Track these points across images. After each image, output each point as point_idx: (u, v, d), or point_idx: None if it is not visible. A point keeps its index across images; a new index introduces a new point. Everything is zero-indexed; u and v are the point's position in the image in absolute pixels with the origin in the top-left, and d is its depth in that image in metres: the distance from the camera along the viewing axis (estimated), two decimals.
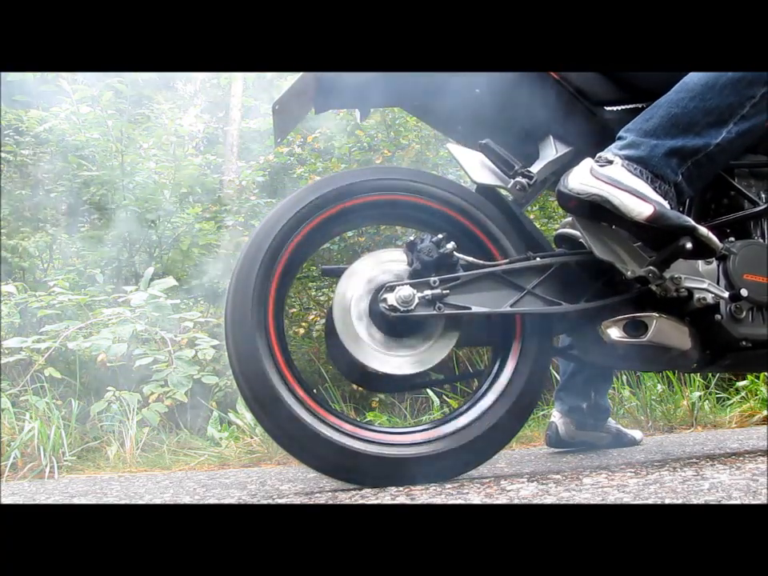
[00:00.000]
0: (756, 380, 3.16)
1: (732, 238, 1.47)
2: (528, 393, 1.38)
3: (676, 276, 1.36)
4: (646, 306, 1.38)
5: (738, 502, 0.90)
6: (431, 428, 1.36)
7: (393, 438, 1.32)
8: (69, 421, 2.77)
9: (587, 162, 1.35)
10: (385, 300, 1.30)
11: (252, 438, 2.74)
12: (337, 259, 4.15)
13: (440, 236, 1.35)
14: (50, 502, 1.56)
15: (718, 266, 1.43)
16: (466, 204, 1.42)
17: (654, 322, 1.36)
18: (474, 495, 1.11)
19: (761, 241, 1.50)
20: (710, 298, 1.38)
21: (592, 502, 0.98)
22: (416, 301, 1.30)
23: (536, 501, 1.03)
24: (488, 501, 1.06)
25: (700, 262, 1.42)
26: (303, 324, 4.03)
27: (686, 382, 3.11)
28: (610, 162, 1.32)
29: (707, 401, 3.06)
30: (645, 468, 1.34)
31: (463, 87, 1.44)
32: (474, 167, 1.44)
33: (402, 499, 1.12)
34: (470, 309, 1.33)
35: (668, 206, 1.30)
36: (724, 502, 0.91)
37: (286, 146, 4.82)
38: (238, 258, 1.34)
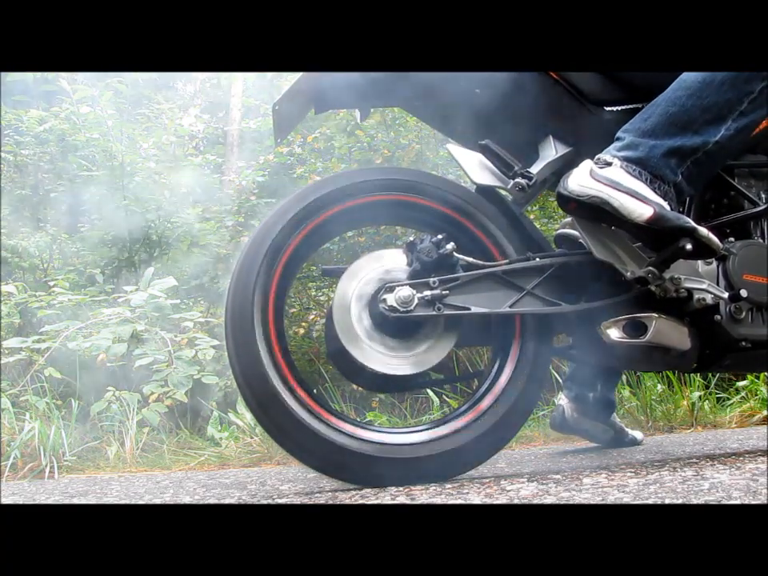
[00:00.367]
0: (756, 380, 3.16)
1: (732, 239, 1.47)
2: (527, 393, 1.38)
3: (675, 276, 1.36)
4: (645, 307, 1.38)
5: (738, 502, 0.90)
6: (431, 428, 1.36)
7: (393, 437, 1.32)
8: (69, 421, 2.77)
9: (587, 164, 1.35)
10: (384, 300, 1.30)
11: (252, 437, 2.74)
12: (337, 259, 4.14)
13: (440, 236, 1.35)
14: (50, 502, 1.56)
15: (718, 266, 1.43)
16: (465, 204, 1.42)
17: (654, 322, 1.36)
18: (473, 495, 1.11)
19: (760, 241, 1.50)
20: (709, 298, 1.38)
21: (592, 502, 0.98)
22: (415, 301, 1.30)
23: (536, 501, 1.03)
24: (488, 501, 1.06)
25: (700, 263, 1.42)
26: (303, 324, 4.03)
27: (686, 381, 3.11)
28: (609, 164, 1.32)
29: (707, 401, 3.06)
30: (645, 468, 1.34)
31: (463, 87, 1.44)
32: (474, 168, 1.44)
33: (401, 499, 1.12)
34: (469, 309, 1.33)
35: (668, 207, 1.30)
36: (724, 501, 0.91)
37: (286, 145, 4.82)
38: (238, 258, 1.34)
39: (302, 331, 3.97)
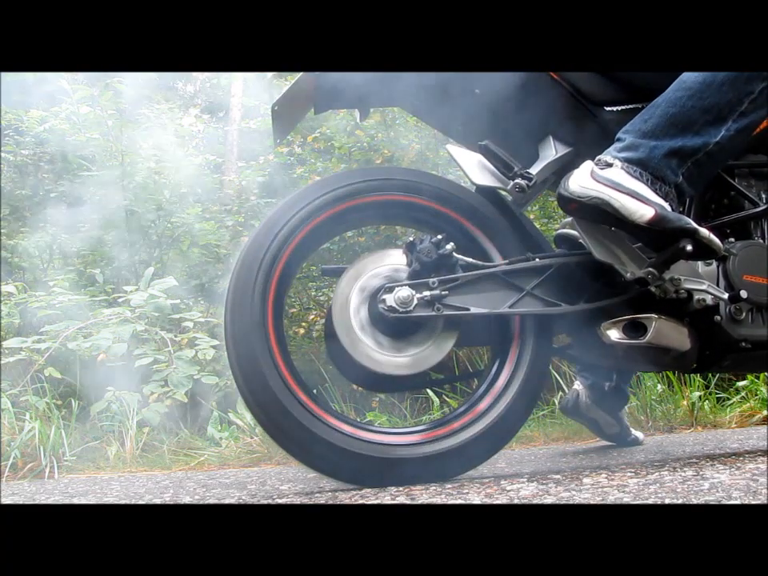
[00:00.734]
0: (756, 380, 3.16)
1: (732, 239, 1.47)
2: (527, 393, 1.38)
3: (675, 277, 1.36)
4: (645, 307, 1.38)
5: (738, 502, 0.90)
6: (430, 428, 1.36)
7: (392, 438, 1.32)
8: (69, 421, 2.77)
9: (587, 165, 1.35)
10: (384, 301, 1.30)
11: (252, 437, 2.74)
12: (337, 259, 4.15)
13: (439, 237, 1.35)
14: (50, 501, 1.56)
15: (718, 267, 1.43)
16: (465, 204, 1.42)
17: (654, 323, 1.36)
18: (473, 495, 1.11)
19: (761, 241, 1.49)
20: (709, 299, 1.38)
21: (592, 502, 0.98)
22: (415, 302, 1.30)
23: (536, 501, 1.03)
24: (488, 501, 1.06)
25: (699, 263, 1.42)
26: (303, 324, 4.03)
27: (686, 382, 3.11)
28: (610, 165, 1.32)
29: (707, 401, 3.06)
30: (645, 468, 1.34)
31: (463, 87, 1.44)
32: (474, 168, 1.45)
33: (401, 499, 1.12)
34: (468, 310, 1.33)
35: (669, 208, 1.30)
36: (724, 502, 0.91)
37: (286, 145, 4.82)
38: (238, 258, 1.34)
39: (302, 331, 3.97)
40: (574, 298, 1.39)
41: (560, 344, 1.94)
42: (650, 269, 1.34)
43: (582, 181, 1.32)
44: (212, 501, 1.39)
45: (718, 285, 1.41)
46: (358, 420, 2.59)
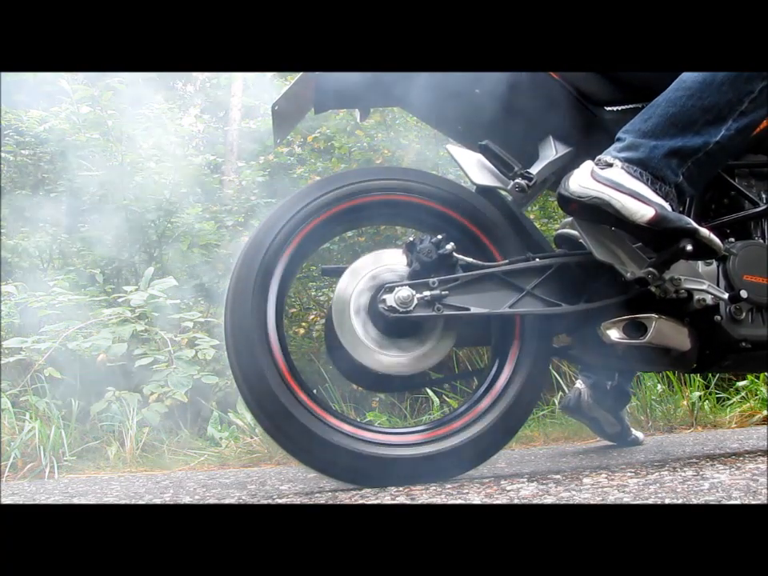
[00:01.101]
0: (756, 380, 3.16)
1: (732, 239, 1.47)
2: (527, 393, 1.38)
3: (676, 277, 1.36)
4: (645, 307, 1.38)
5: (738, 502, 0.90)
6: (430, 428, 1.36)
7: (392, 438, 1.32)
8: (69, 421, 2.77)
9: (587, 165, 1.35)
10: (384, 301, 1.30)
11: (252, 437, 2.74)
12: (337, 259, 4.15)
13: (439, 237, 1.35)
14: (50, 501, 1.56)
15: (718, 266, 1.43)
16: (465, 204, 1.42)
17: (654, 323, 1.36)
18: (473, 495, 1.11)
19: (761, 241, 1.49)
20: (709, 299, 1.38)
21: (592, 502, 0.98)
22: (415, 302, 1.30)
23: (536, 501, 1.03)
24: (488, 501, 1.06)
25: (700, 263, 1.42)
26: (303, 324, 4.03)
27: (686, 382, 3.11)
28: (610, 165, 1.32)
29: (707, 401, 3.06)
30: (645, 468, 1.34)
31: (463, 87, 1.44)
32: (474, 168, 1.45)
33: (401, 499, 1.12)
34: (469, 310, 1.33)
35: (669, 208, 1.30)
36: (724, 502, 0.91)
37: (286, 146, 4.82)
38: (237, 258, 1.34)
39: (302, 331, 3.97)
40: (574, 297, 1.39)
41: (560, 344, 1.94)
42: (650, 269, 1.34)
43: (583, 181, 1.32)
44: (212, 501, 1.39)
45: (718, 285, 1.41)
46: (358, 420, 2.59)
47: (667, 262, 1.34)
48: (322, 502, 1.17)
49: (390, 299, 1.29)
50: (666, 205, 1.30)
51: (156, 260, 4.37)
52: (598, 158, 1.35)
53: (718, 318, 1.39)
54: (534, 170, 1.45)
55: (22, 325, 3.30)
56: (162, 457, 2.68)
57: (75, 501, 1.56)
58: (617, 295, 1.39)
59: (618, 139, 1.37)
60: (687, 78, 1.34)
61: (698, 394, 3.02)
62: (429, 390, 3.19)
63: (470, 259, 1.37)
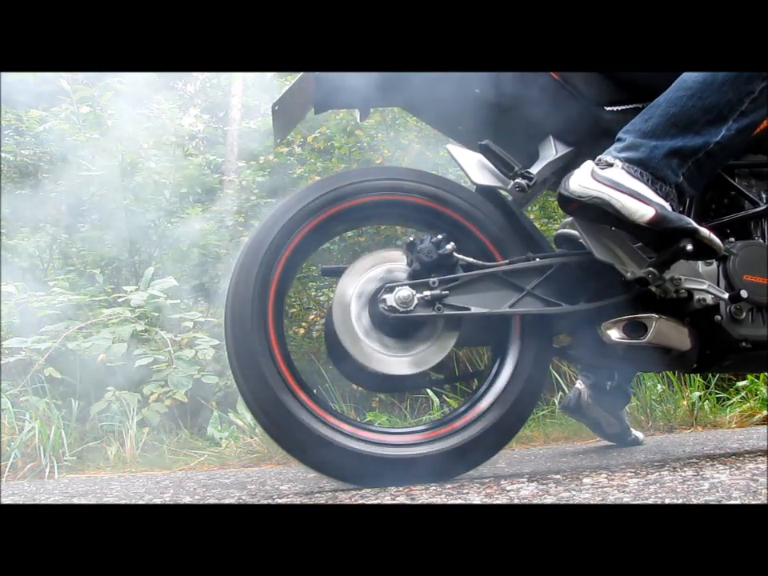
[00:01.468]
0: (756, 380, 3.16)
1: (732, 239, 1.47)
2: (527, 393, 1.38)
3: (676, 277, 1.36)
4: (645, 307, 1.38)
5: (738, 502, 0.90)
6: (430, 428, 1.36)
7: (392, 438, 1.32)
8: (69, 421, 2.77)
9: (588, 165, 1.35)
10: (384, 301, 1.30)
11: (252, 437, 2.74)
12: (337, 259, 4.15)
13: (440, 236, 1.35)
14: (50, 501, 1.56)
15: (718, 266, 1.43)
16: (465, 204, 1.42)
17: (654, 323, 1.36)
18: (473, 495, 1.11)
19: (761, 241, 1.50)
20: (709, 299, 1.38)
21: (592, 502, 0.98)
22: (415, 301, 1.30)
23: (536, 501, 1.03)
24: (488, 501, 1.06)
25: (700, 263, 1.43)
26: (303, 324, 4.03)
27: (686, 382, 3.11)
28: (610, 165, 1.32)
29: (707, 401, 3.06)
30: (645, 468, 1.34)
31: (463, 87, 1.44)
32: (474, 168, 1.45)
33: (401, 499, 1.12)
34: (469, 309, 1.33)
35: (669, 208, 1.30)
36: (724, 502, 0.91)
37: (286, 146, 4.82)
38: (237, 258, 1.34)
39: (302, 331, 3.97)
40: (575, 297, 1.39)
41: (560, 344, 1.94)
42: (651, 268, 1.34)
43: (583, 181, 1.32)
44: (212, 501, 1.39)
45: (718, 284, 1.41)
46: (358, 420, 2.59)
47: (667, 261, 1.34)
48: (322, 502, 1.17)
49: (391, 299, 1.29)
50: (667, 205, 1.30)
51: (156, 260, 4.37)
52: (598, 157, 1.35)
53: (718, 317, 1.39)
54: (534, 169, 1.45)
55: (21, 325, 3.30)
56: (162, 457, 2.68)
57: (75, 501, 1.56)
58: (617, 295, 1.39)
59: (619, 139, 1.37)
60: (688, 78, 1.34)
61: (698, 393, 3.02)
62: (429, 390, 3.19)
63: (470, 259, 1.37)
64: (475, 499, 1.07)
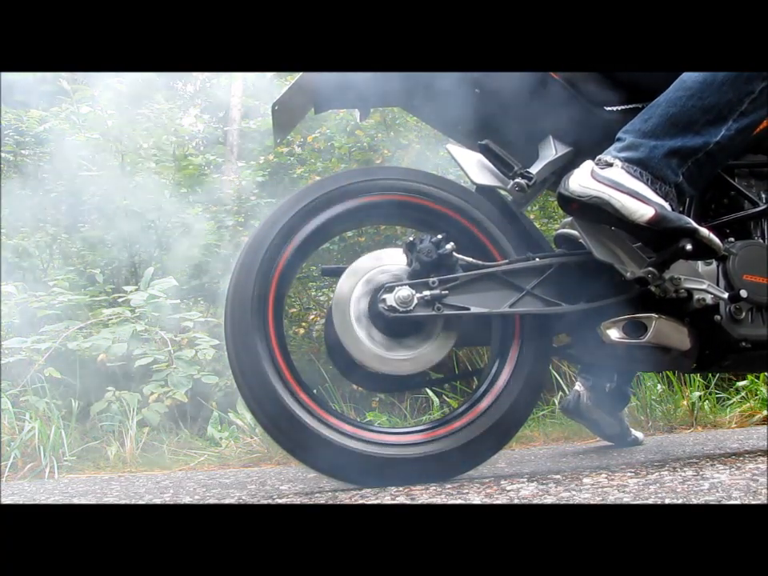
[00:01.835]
0: (756, 380, 3.16)
1: (732, 239, 1.47)
2: (527, 393, 1.38)
3: (675, 277, 1.36)
4: (645, 307, 1.38)
5: (738, 502, 0.90)
6: (430, 428, 1.36)
7: (392, 438, 1.32)
8: (69, 421, 2.77)
9: (588, 165, 1.35)
10: (384, 300, 1.30)
11: (252, 437, 2.74)
12: (337, 259, 4.14)
13: (439, 236, 1.35)
14: (50, 501, 1.56)
15: (718, 266, 1.43)
16: (465, 204, 1.42)
17: (654, 322, 1.36)
18: (473, 495, 1.11)
19: (760, 241, 1.49)
20: (709, 298, 1.38)
21: (592, 502, 0.98)
22: (415, 301, 1.30)
23: (536, 501, 1.03)
24: (488, 501, 1.06)
25: (699, 263, 1.42)
26: (303, 324, 4.02)
27: (686, 382, 3.11)
28: (610, 165, 1.32)
29: (707, 401, 3.06)
30: (645, 468, 1.34)
31: (463, 87, 1.44)
32: (474, 168, 1.45)
33: (401, 499, 1.12)
34: (469, 309, 1.33)
35: (669, 208, 1.30)
36: (724, 502, 0.91)
37: (286, 146, 4.81)
38: (237, 258, 1.34)
39: (302, 331, 3.97)
40: (574, 297, 1.39)
41: (560, 344, 1.94)
42: (650, 268, 1.34)
43: (583, 180, 1.32)
44: (212, 501, 1.39)
45: (717, 284, 1.41)
46: (358, 420, 2.59)
47: (667, 261, 1.34)
48: (322, 502, 1.17)
49: (390, 299, 1.29)
50: (666, 205, 1.30)
51: (156, 260, 4.37)
52: (598, 157, 1.35)
53: (718, 317, 1.39)
54: (534, 169, 1.45)
55: (21, 325, 3.30)
56: (162, 457, 2.68)
57: (75, 501, 1.56)
58: (617, 295, 1.39)
59: (618, 139, 1.37)
60: (687, 78, 1.34)
61: (697, 393, 3.02)
62: (429, 390, 3.18)
63: (469, 259, 1.37)
64: (475, 499, 1.07)
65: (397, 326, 1.32)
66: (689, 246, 1.28)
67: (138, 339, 3.20)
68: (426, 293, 1.31)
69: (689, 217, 1.35)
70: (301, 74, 1.45)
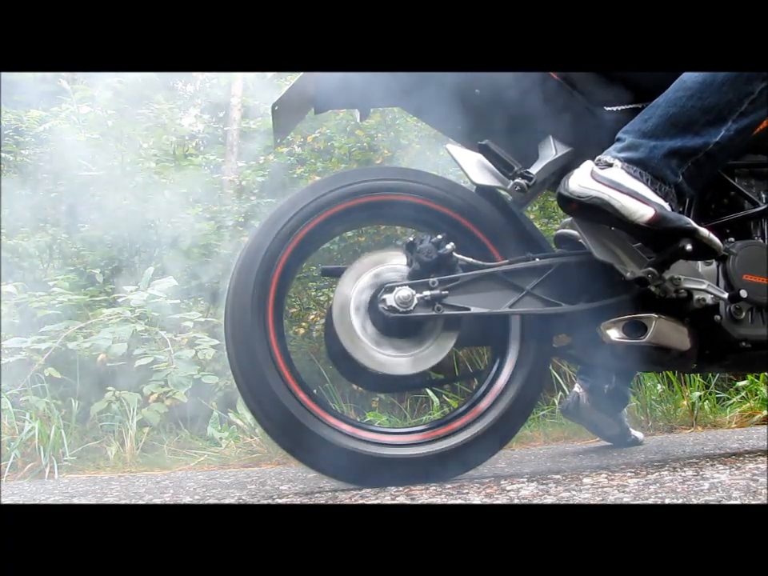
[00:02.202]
0: (756, 380, 3.16)
1: (732, 239, 1.47)
2: (527, 393, 1.38)
3: (675, 277, 1.36)
4: (645, 307, 1.39)
5: (738, 502, 0.90)
6: (430, 428, 1.36)
7: (392, 438, 1.32)
8: (69, 421, 2.77)
9: (587, 165, 1.35)
10: (384, 301, 1.30)
11: (252, 437, 2.74)
12: (337, 259, 4.14)
13: (439, 237, 1.35)
14: (50, 502, 1.56)
15: (718, 266, 1.43)
16: (465, 204, 1.42)
17: (654, 322, 1.36)
18: (473, 495, 1.11)
19: (760, 241, 1.50)
20: (709, 298, 1.38)
21: (592, 502, 0.98)
22: (415, 301, 1.30)
23: (536, 501, 1.03)
24: (488, 501, 1.06)
25: (699, 263, 1.43)
26: (303, 324, 4.03)
27: (686, 382, 3.11)
28: (610, 165, 1.32)
29: (707, 401, 3.06)
30: (645, 468, 1.34)
31: (463, 87, 1.44)
32: (474, 168, 1.45)
33: (401, 499, 1.12)
34: (469, 309, 1.33)
35: (669, 208, 1.30)
36: (724, 502, 0.91)
37: (286, 146, 4.82)
38: (237, 258, 1.34)
39: (302, 331, 3.97)
40: (574, 297, 1.39)
41: (560, 344, 1.94)
42: (650, 268, 1.34)
43: (582, 181, 1.32)
44: (212, 501, 1.39)
45: (717, 284, 1.41)
46: (358, 420, 2.59)
47: (667, 261, 1.34)
48: (322, 502, 1.17)
49: (390, 299, 1.29)
50: (666, 205, 1.30)
51: (156, 260, 4.36)
52: (597, 158, 1.35)
53: (718, 317, 1.39)
54: (534, 169, 1.45)
55: (21, 325, 3.30)
56: (162, 457, 2.68)
57: (75, 501, 1.56)
58: (616, 295, 1.39)
59: (618, 139, 1.37)
60: (687, 78, 1.34)
61: (697, 394, 3.02)
62: (429, 390, 3.18)
63: (469, 259, 1.37)
64: (475, 499, 1.07)
65: (397, 327, 1.32)
66: (689, 246, 1.28)
67: (137, 339, 3.20)
68: (426, 293, 1.31)
69: (689, 217, 1.35)
70: (301, 74, 1.45)
